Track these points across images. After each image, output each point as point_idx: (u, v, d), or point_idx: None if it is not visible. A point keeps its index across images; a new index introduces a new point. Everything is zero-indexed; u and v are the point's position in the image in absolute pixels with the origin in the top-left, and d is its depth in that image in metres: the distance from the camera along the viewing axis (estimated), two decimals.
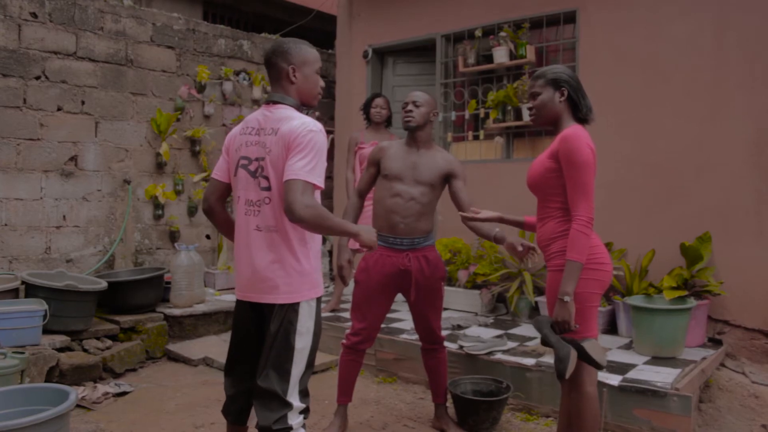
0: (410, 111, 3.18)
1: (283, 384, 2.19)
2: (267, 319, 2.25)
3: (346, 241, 3.18)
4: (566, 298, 2.36)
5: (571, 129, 2.48)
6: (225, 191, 2.41)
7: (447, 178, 3.21)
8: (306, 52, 2.30)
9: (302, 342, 2.22)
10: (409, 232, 3.14)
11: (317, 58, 2.34)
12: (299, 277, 2.22)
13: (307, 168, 2.10)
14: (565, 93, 2.53)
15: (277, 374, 2.20)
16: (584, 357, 2.38)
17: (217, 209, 2.42)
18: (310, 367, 2.28)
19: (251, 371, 2.31)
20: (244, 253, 2.27)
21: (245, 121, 2.33)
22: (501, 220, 2.89)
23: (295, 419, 2.21)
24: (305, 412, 2.26)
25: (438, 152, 3.26)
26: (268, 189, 2.20)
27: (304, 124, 2.16)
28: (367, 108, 5.09)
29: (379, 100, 5.03)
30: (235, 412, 2.40)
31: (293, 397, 2.21)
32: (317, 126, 2.18)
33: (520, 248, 2.87)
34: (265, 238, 2.22)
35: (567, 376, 2.34)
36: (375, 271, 3.15)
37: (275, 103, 2.28)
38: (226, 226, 2.47)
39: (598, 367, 2.41)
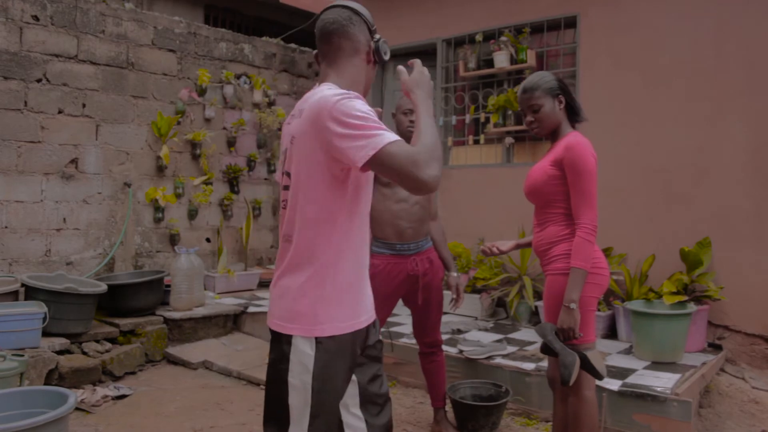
0: (414, 120, 3.20)
1: None
2: (270, 351, 1.75)
3: None
4: (572, 305, 2.36)
5: (574, 137, 2.50)
6: None
7: None
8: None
9: (296, 398, 1.60)
10: (416, 236, 3.15)
11: None
12: (303, 302, 1.62)
13: (374, 133, 1.53)
14: (563, 100, 2.56)
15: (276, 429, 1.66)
16: (586, 366, 2.38)
17: None
18: None
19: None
20: None
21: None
22: (518, 247, 2.92)
23: None
24: None
25: None
26: (288, 188, 1.71)
27: (334, 93, 1.59)
28: None
29: None
30: None
31: None
32: (342, 93, 1.60)
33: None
34: (283, 249, 1.72)
35: (571, 382, 2.34)
36: (382, 279, 3.12)
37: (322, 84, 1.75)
38: None
39: (599, 377, 2.41)
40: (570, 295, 2.37)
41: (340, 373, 1.63)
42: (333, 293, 1.63)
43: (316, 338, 1.60)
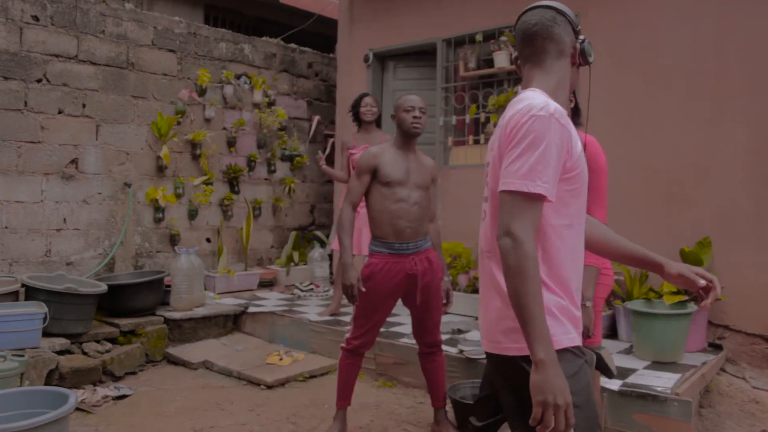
0: (419, 117, 3.19)
1: None
2: (500, 377, 1.67)
3: (351, 258, 3.10)
4: (588, 303, 2.36)
5: (584, 135, 2.51)
6: None
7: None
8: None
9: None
10: (414, 236, 3.16)
11: None
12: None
13: (520, 170, 1.46)
14: (573, 100, 2.57)
15: None
16: (600, 365, 2.38)
17: None
18: None
19: None
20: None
21: None
22: None
23: None
24: None
25: (422, 155, 3.32)
26: (486, 200, 1.70)
27: (530, 107, 1.51)
28: (356, 108, 4.95)
29: (368, 99, 4.93)
30: None
31: None
32: (549, 109, 1.50)
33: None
34: (483, 266, 1.67)
35: None
36: (381, 278, 3.13)
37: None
38: None
39: (611, 375, 2.41)
40: (585, 292, 2.37)
41: (588, 387, 1.55)
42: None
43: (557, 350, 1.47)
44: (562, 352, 1.49)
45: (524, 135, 1.47)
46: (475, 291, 5.06)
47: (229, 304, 5.39)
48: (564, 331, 1.53)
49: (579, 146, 1.57)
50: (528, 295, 1.38)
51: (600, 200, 2.44)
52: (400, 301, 3.33)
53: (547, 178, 1.45)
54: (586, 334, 2.39)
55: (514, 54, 1.73)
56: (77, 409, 3.58)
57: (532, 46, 1.65)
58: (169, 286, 5.07)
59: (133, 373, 4.41)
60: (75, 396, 2.73)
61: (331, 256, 6.46)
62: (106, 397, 3.89)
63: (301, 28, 7.61)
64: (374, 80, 6.28)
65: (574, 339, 1.55)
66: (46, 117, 5.03)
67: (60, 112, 5.11)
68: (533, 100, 1.52)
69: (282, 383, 4.21)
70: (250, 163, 6.51)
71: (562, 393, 1.35)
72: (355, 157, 4.87)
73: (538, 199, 1.45)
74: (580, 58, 1.71)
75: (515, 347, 1.53)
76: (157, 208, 5.72)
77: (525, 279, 1.39)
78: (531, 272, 1.39)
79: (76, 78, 5.20)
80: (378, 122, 5.00)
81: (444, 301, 3.31)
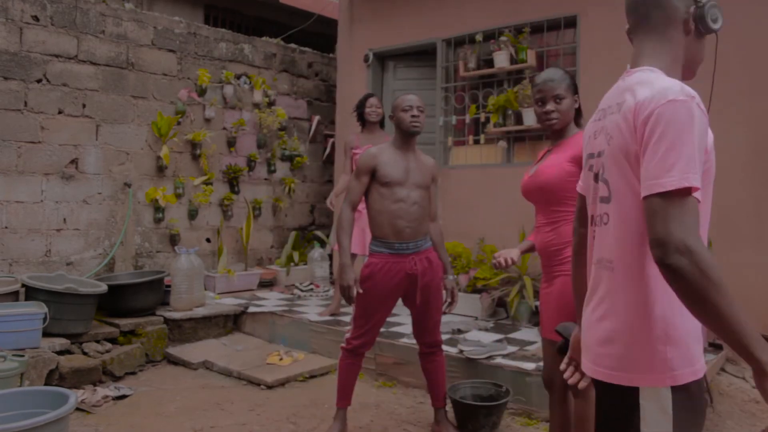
0: (417, 116, 3.19)
1: None
2: (601, 402, 1.46)
3: (349, 259, 3.12)
4: None
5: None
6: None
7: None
8: None
9: None
10: (414, 236, 3.16)
11: None
12: (647, 345, 1.31)
13: (675, 165, 1.21)
14: (578, 100, 2.60)
15: None
16: None
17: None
18: None
19: None
20: (588, 296, 1.51)
21: (601, 102, 1.53)
22: (523, 253, 2.82)
23: None
24: None
25: (422, 155, 3.32)
26: (607, 200, 1.41)
27: (665, 90, 1.28)
28: (361, 108, 4.98)
29: (373, 100, 4.96)
30: None
31: None
32: (685, 92, 1.29)
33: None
34: (598, 277, 1.45)
35: None
36: (380, 277, 3.13)
37: (636, 66, 1.43)
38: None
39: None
40: None
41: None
42: (674, 331, 1.30)
43: (674, 387, 1.30)
44: (664, 390, 1.29)
45: (668, 123, 1.24)
46: (476, 291, 5.06)
47: (229, 304, 5.39)
48: (687, 363, 1.30)
49: (711, 136, 1.37)
50: (732, 306, 1.15)
51: None
52: (400, 301, 3.33)
53: (699, 172, 1.23)
54: None
55: (626, 26, 1.50)
56: (77, 409, 3.58)
57: (636, 14, 1.43)
58: (169, 286, 5.07)
59: (133, 373, 4.42)
60: (75, 396, 2.74)
61: (331, 256, 6.46)
62: (106, 397, 3.89)
63: (301, 28, 7.61)
64: (374, 80, 6.28)
65: (698, 371, 1.31)
66: (46, 117, 5.03)
67: (60, 112, 5.11)
68: (663, 82, 1.31)
69: (282, 383, 4.21)
70: (250, 163, 6.51)
71: None
72: (357, 158, 4.88)
73: (696, 195, 1.22)
74: (699, 25, 1.43)
75: (625, 376, 1.34)
76: (157, 208, 5.73)
77: (724, 293, 1.15)
78: (722, 282, 1.16)
79: (76, 78, 5.20)
80: (381, 123, 5.02)
81: (449, 300, 3.31)
